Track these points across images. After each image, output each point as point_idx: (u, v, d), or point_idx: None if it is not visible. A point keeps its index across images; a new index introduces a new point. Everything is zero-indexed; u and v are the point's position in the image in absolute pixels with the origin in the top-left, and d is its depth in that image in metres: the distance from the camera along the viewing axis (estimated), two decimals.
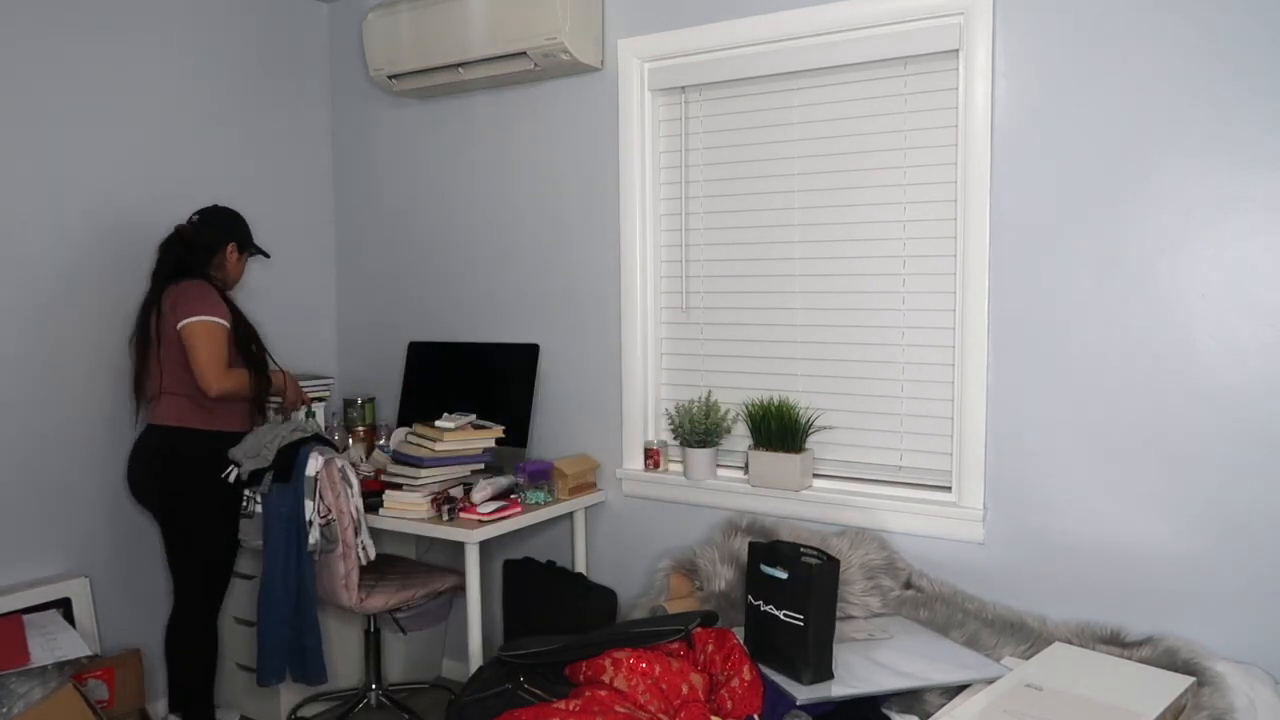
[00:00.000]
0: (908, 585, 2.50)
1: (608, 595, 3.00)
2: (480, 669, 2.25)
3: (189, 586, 2.84)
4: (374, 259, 3.62)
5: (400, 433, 3.06)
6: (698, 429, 2.83)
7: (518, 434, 3.12)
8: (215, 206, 2.90)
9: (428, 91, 3.27)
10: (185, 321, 2.68)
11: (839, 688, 2.04)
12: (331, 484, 2.67)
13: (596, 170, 3.05)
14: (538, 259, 3.21)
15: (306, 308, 3.62)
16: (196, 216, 2.85)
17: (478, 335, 3.37)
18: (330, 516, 2.67)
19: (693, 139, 2.91)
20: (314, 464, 2.66)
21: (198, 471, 2.77)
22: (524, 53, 2.88)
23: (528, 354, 3.20)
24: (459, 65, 3.02)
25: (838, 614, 2.19)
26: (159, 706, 3.09)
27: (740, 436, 2.88)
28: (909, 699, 2.03)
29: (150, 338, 2.77)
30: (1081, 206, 2.31)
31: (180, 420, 2.76)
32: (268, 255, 3.08)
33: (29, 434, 2.82)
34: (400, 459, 2.81)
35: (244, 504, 2.81)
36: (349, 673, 3.31)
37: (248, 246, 2.94)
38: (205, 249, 2.83)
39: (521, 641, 2.21)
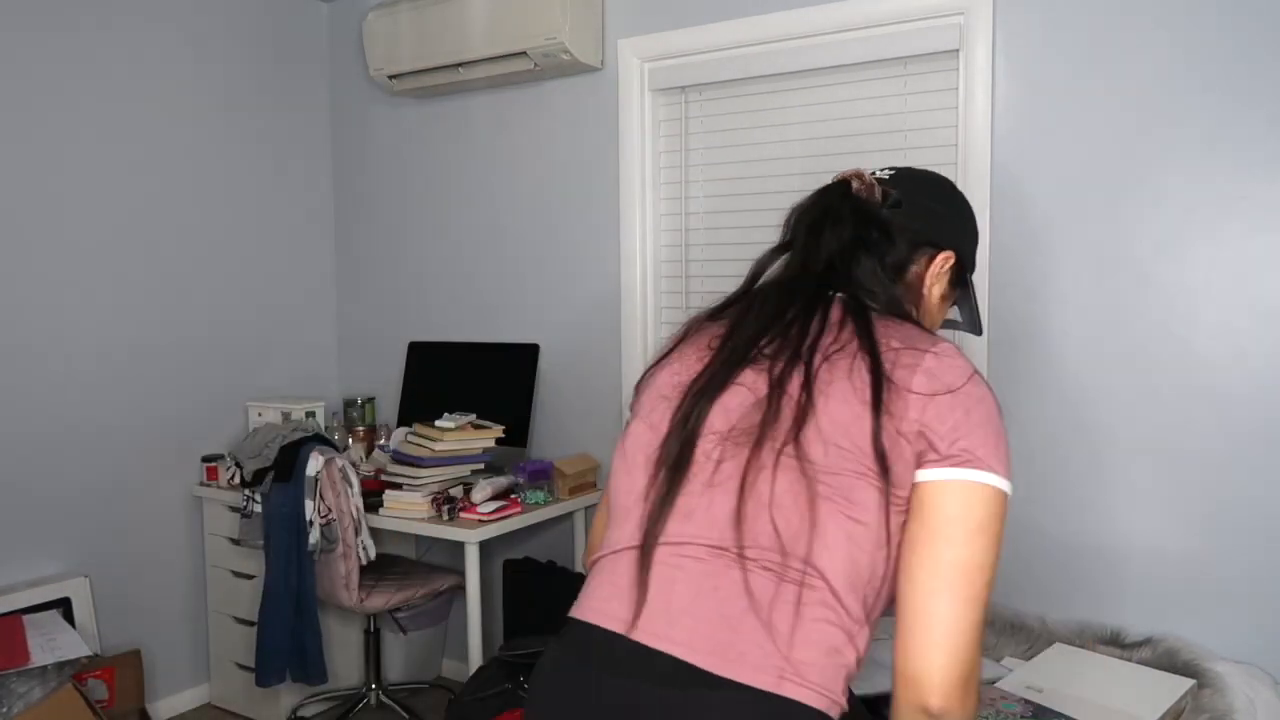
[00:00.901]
0: None
1: None
2: (480, 669, 2.25)
3: None
4: (374, 259, 3.62)
5: (400, 433, 3.06)
6: None
7: (518, 434, 3.12)
8: (928, 174, 1.40)
9: (427, 91, 3.27)
10: (970, 475, 1.06)
11: None
12: (332, 484, 2.67)
13: (596, 170, 3.05)
14: (538, 259, 3.20)
15: (306, 308, 3.62)
16: (889, 172, 1.36)
17: (478, 335, 3.37)
18: (330, 516, 2.67)
19: (693, 139, 2.91)
20: (314, 464, 2.67)
21: None
22: (524, 53, 2.88)
23: (528, 354, 3.19)
24: (459, 65, 3.02)
25: None
26: (159, 706, 3.10)
27: None
28: None
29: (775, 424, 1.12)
30: (1081, 206, 2.31)
31: (826, 690, 1.06)
32: (979, 325, 1.53)
33: (30, 434, 2.82)
34: (400, 459, 2.81)
35: (244, 504, 2.81)
36: (349, 673, 3.31)
37: (969, 269, 1.41)
38: (910, 248, 1.30)
39: (521, 641, 2.21)
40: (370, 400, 3.39)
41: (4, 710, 2.27)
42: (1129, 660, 2.11)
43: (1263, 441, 2.14)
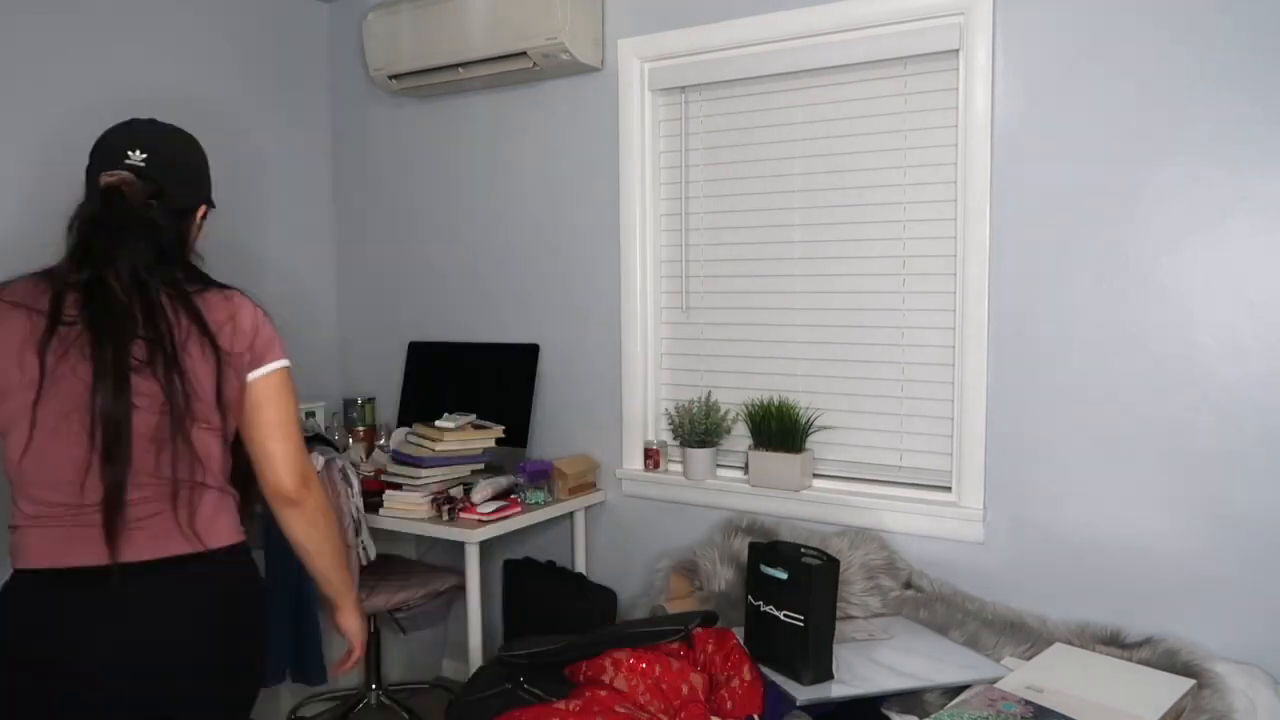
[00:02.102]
0: (908, 585, 2.50)
1: (607, 595, 3.00)
2: (480, 669, 2.25)
3: None
4: (374, 259, 3.62)
5: (400, 433, 3.06)
6: (698, 429, 2.83)
7: (518, 434, 3.12)
8: (164, 125, 1.74)
9: (428, 91, 3.27)
10: (272, 367, 1.68)
11: (839, 688, 2.04)
12: (332, 484, 2.67)
13: (596, 170, 3.05)
14: (538, 259, 3.20)
15: (306, 307, 3.62)
16: (141, 154, 1.63)
17: (478, 335, 3.37)
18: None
19: (693, 139, 2.91)
20: (314, 463, 2.66)
21: (266, 625, 1.74)
22: (524, 53, 2.88)
23: (528, 354, 3.20)
24: (459, 65, 3.02)
25: (838, 614, 2.19)
26: None
27: (740, 436, 2.88)
28: (909, 699, 2.03)
29: (127, 393, 1.51)
30: (1081, 206, 2.31)
31: (234, 536, 1.65)
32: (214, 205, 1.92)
33: None
34: (400, 459, 2.81)
35: None
36: (349, 673, 3.31)
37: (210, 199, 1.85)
38: (180, 216, 1.69)
39: (521, 641, 2.21)
40: (370, 400, 3.39)
41: None
42: (1129, 660, 2.11)
43: (1263, 441, 2.14)
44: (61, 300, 1.53)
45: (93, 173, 1.64)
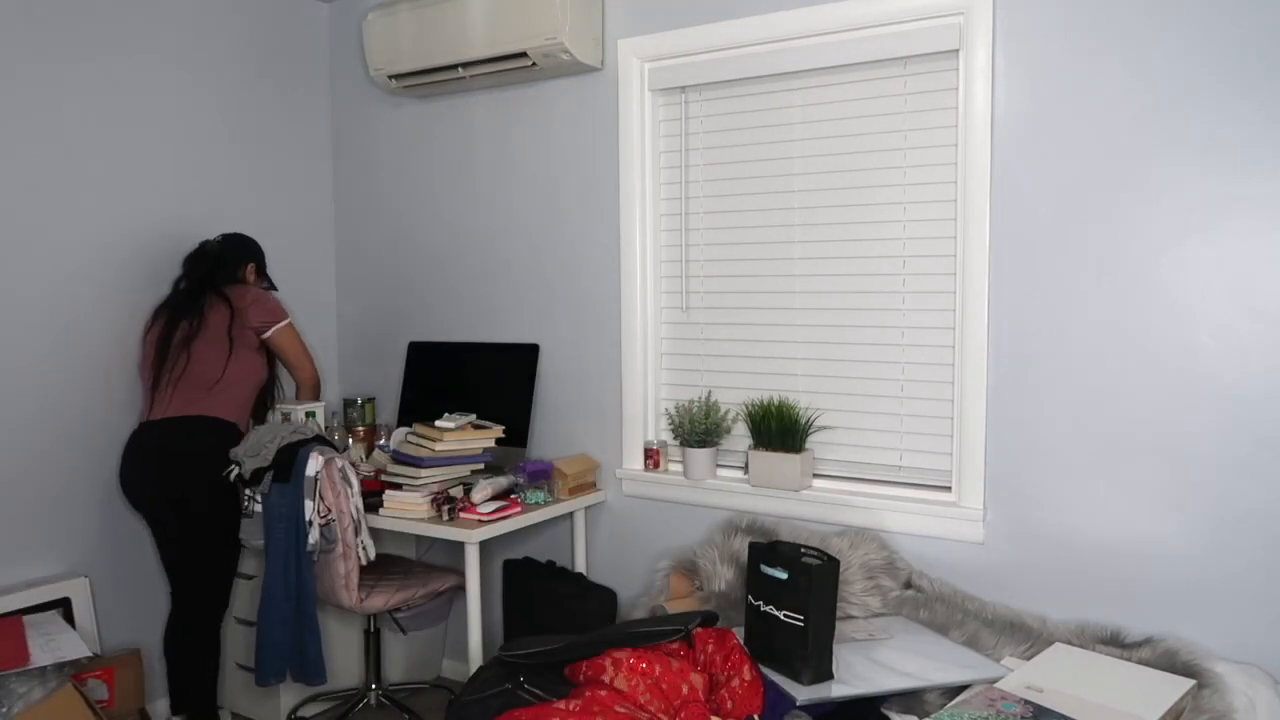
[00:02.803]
0: (908, 585, 2.50)
1: (608, 595, 3.00)
2: (480, 669, 2.24)
3: (201, 586, 2.87)
4: (374, 259, 3.62)
5: (400, 433, 3.06)
6: (698, 429, 2.83)
7: (518, 434, 3.12)
8: (238, 234, 3.14)
9: (428, 91, 3.27)
10: (277, 327, 3.02)
11: (839, 688, 2.04)
12: (331, 484, 2.67)
13: (596, 170, 3.05)
14: (538, 259, 3.21)
15: (306, 308, 3.62)
16: (220, 237, 3.09)
17: (478, 335, 3.37)
18: (330, 517, 2.67)
19: (693, 139, 2.91)
20: (314, 464, 2.66)
21: (223, 468, 2.82)
22: (524, 53, 2.88)
23: (528, 354, 3.19)
24: (459, 65, 3.02)
25: (838, 614, 2.19)
26: (159, 706, 3.09)
27: (740, 436, 2.88)
28: (909, 699, 2.03)
29: (179, 338, 2.88)
30: (1081, 206, 2.31)
31: (235, 415, 2.92)
32: (276, 289, 3.21)
33: (30, 434, 2.82)
34: (400, 459, 2.81)
35: (244, 504, 2.81)
36: (349, 673, 3.31)
37: (264, 272, 3.17)
38: (233, 264, 3.07)
39: (521, 641, 2.21)
40: (370, 400, 3.38)
41: (4, 710, 2.27)
42: (1129, 660, 2.11)
43: (1263, 441, 2.14)
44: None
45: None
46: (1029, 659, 2.17)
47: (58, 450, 2.88)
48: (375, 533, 2.78)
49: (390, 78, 3.19)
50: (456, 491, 2.81)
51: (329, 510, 2.67)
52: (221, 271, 3.01)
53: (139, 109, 3.06)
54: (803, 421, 2.70)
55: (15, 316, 2.78)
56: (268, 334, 3.00)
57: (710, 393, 2.93)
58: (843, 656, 2.16)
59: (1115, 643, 2.23)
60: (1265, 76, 2.09)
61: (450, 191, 3.40)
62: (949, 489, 2.56)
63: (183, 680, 2.88)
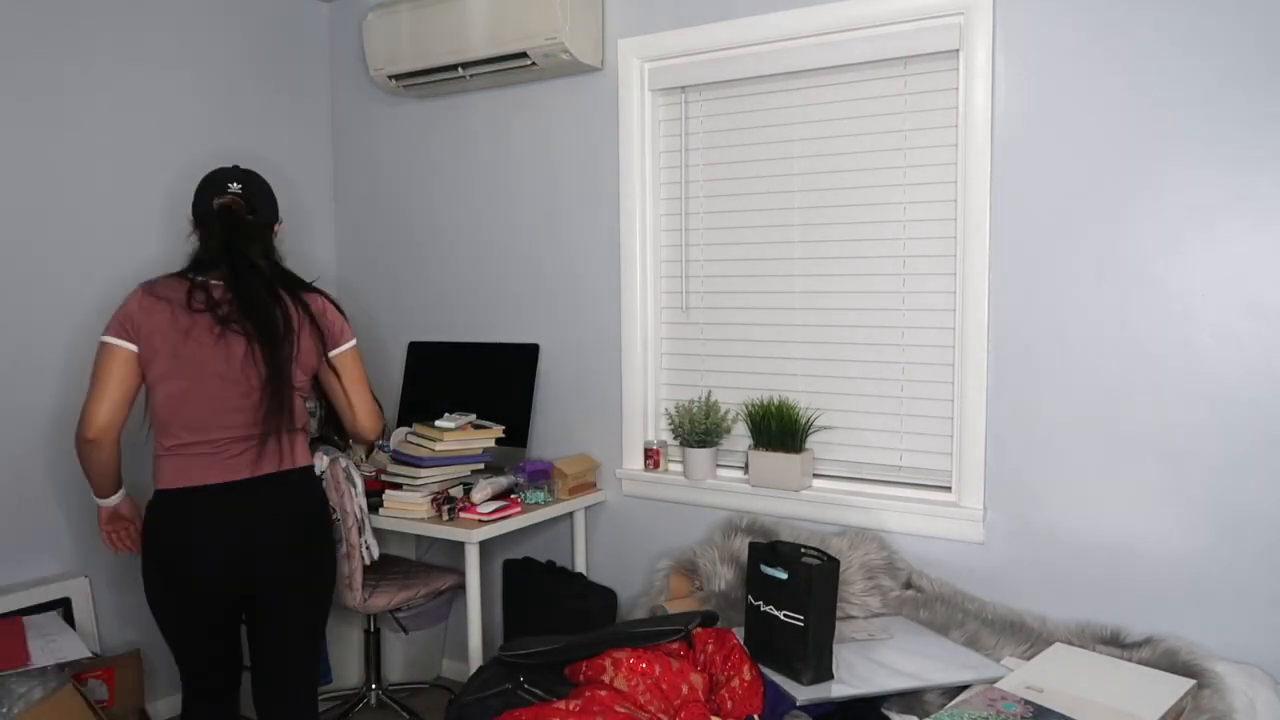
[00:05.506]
0: (908, 585, 2.50)
1: (608, 595, 3.00)
2: (480, 669, 2.24)
3: (314, 665, 2.33)
4: (374, 259, 3.62)
5: (400, 433, 3.06)
6: (698, 429, 2.83)
7: (518, 434, 3.12)
8: (252, 170, 2.30)
9: (428, 91, 3.27)
10: (347, 346, 2.28)
11: (839, 688, 2.04)
12: (336, 483, 2.67)
13: (596, 170, 3.05)
14: (538, 259, 3.21)
15: None
16: (238, 185, 2.23)
17: (478, 335, 3.37)
18: (335, 516, 2.67)
19: (693, 139, 2.91)
20: (319, 463, 2.66)
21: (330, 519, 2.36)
22: (524, 53, 2.88)
23: (528, 354, 3.20)
24: (459, 65, 3.02)
25: (838, 614, 2.19)
26: (159, 706, 3.09)
27: (740, 436, 2.88)
28: (909, 699, 2.03)
29: (278, 361, 2.14)
30: (1081, 206, 2.31)
31: (310, 460, 2.31)
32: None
33: (31, 434, 2.82)
34: (400, 459, 2.81)
35: None
36: (349, 673, 3.31)
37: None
38: (266, 225, 2.26)
39: (521, 641, 2.21)
40: None
41: (4, 710, 2.27)
42: (1129, 660, 2.11)
43: (1263, 441, 2.14)
44: (192, 296, 2.10)
45: (203, 196, 2.21)
46: (1029, 659, 2.17)
47: (58, 450, 2.88)
48: (377, 533, 2.78)
49: (390, 78, 3.19)
50: (456, 491, 2.81)
51: (334, 510, 2.67)
52: (259, 242, 2.21)
53: (139, 109, 3.06)
54: (803, 421, 2.70)
55: (17, 316, 2.78)
56: (336, 351, 2.27)
57: (710, 393, 2.93)
58: (843, 656, 2.16)
59: (1115, 643, 2.24)
60: (1265, 76, 2.09)
61: (450, 191, 3.40)
62: (949, 489, 2.56)
63: None
